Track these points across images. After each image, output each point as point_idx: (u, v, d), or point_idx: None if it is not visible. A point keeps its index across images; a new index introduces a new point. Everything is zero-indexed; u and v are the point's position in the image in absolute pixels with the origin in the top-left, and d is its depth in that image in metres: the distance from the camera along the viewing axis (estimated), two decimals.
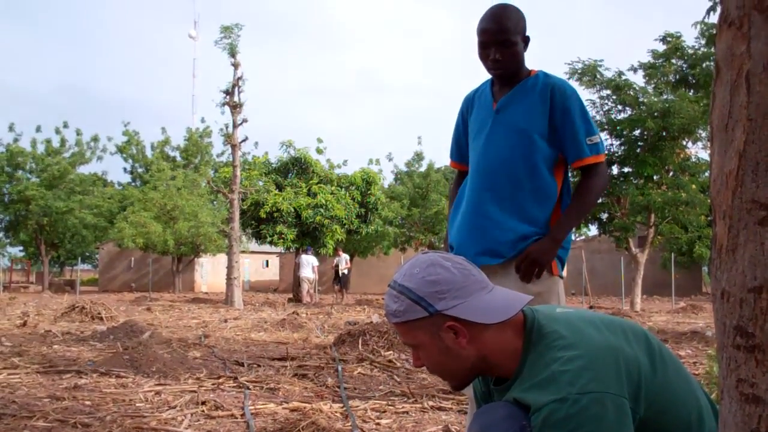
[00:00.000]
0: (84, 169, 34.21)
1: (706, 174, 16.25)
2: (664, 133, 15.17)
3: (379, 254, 27.90)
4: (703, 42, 15.20)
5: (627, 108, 15.65)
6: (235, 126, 17.27)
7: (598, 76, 15.48)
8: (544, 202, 2.23)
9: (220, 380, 4.82)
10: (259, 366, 5.63)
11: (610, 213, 16.55)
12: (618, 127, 15.60)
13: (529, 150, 2.22)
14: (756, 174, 0.91)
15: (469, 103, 2.43)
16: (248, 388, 4.49)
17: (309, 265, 19.69)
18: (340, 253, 21.00)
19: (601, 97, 15.79)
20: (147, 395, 4.23)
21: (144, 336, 7.21)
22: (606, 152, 3.39)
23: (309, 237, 20.56)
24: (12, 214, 31.51)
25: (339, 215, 20.26)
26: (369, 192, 21.72)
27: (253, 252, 35.06)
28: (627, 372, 1.35)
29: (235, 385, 4.68)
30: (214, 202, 30.86)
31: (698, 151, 16.92)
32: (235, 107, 17.12)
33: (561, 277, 2.25)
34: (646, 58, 16.11)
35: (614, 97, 15.61)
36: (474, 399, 1.70)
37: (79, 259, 41.90)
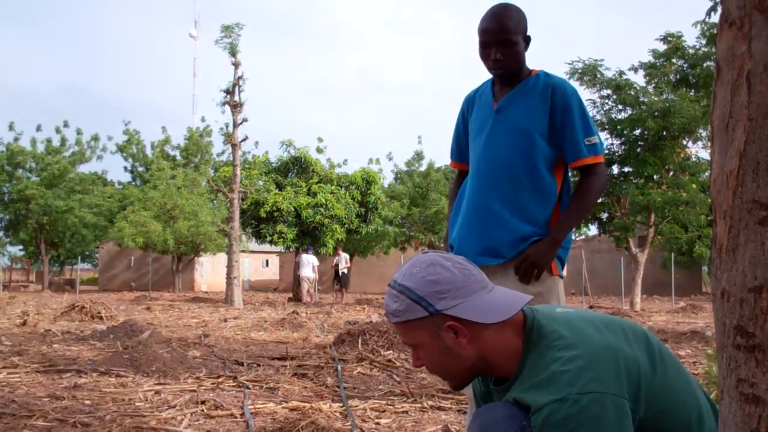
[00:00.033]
0: (84, 169, 34.37)
1: (707, 174, 16.25)
2: (664, 133, 15.18)
3: (379, 254, 27.89)
4: (703, 42, 15.22)
5: (627, 107, 15.65)
6: (235, 125, 17.28)
7: (599, 76, 15.48)
8: (544, 202, 2.23)
9: (220, 380, 4.82)
10: (258, 365, 5.63)
11: (610, 213, 16.55)
12: (618, 127, 15.60)
13: (529, 150, 2.21)
14: (756, 174, 0.91)
15: (470, 103, 2.42)
16: (248, 388, 4.49)
17: (309, 264, 19.69)
18: (340, 252, 20.99)
19: (602, 97, 15.80)
20: (147, 394, 4.23)
21: (144, 335, 7.21)
22: (606, 152, 3.39)
23: (309, 236, 20.57)
24: (12, 213, 31.56)
25: (339, 215, 20.27)
26: (369, 191, 21.72)
27: (253, 251, 35.09)
28: (627, 372, 1.35)
29: (234, 384, 4.68)
30: (214, 202, 30.84)
31: (698, 150, 16.95)
32: (236, 106, 17.14)
33: (561, 276, 2.25)
34: (647, 58, 16.18)
35: (615, 96, 15.61)
36: (474, 399, 1.70)
37: (79, 258, 41.97)
